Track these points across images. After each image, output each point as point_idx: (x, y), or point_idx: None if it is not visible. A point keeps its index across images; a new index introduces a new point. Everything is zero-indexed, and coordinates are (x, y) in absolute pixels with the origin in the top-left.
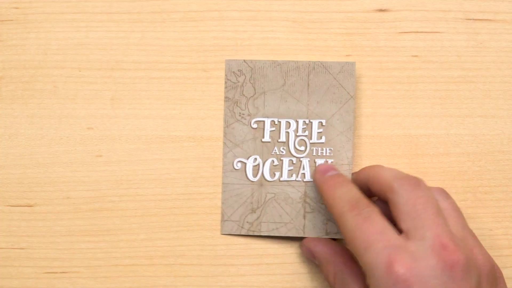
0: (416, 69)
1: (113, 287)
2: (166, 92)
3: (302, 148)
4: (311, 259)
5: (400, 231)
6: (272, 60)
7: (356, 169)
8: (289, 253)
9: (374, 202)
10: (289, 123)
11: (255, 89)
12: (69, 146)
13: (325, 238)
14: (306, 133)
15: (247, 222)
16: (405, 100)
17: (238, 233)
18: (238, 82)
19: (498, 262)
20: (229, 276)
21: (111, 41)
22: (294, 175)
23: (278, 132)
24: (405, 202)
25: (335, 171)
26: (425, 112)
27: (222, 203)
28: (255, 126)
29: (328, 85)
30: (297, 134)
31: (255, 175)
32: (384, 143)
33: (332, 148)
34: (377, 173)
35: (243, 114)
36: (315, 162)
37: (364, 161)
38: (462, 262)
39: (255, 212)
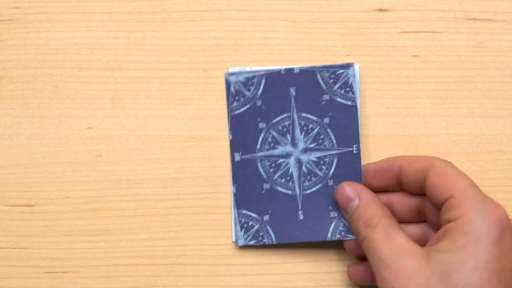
0: (416, 69)
1: (113, 287)
2: (166, 92)
3: None
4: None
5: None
6: None
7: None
8: (289, 253)
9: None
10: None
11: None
12: (69, 146)
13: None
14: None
15: None
16: (405, 100)
17: None
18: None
19: None
20: (229, 276)
21: (111, 41)
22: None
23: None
24: (452, 174)
25: (352, 202)
26: (425, 112)
27: None
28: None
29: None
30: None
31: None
32: (384, 143)
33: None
34: (411, 158)
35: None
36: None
37: (364, 161)
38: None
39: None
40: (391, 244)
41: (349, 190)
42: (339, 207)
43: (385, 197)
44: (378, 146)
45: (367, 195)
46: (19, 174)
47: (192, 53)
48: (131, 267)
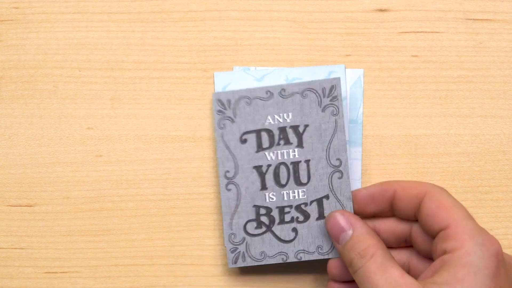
0: (416, 69)
1: (113, 287)
2: (166, 92)
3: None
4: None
5: (441, 226)
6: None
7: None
8: None
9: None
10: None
11: None
12: (69, 146)
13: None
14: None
15: None
16: (405, 100)
17: None
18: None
19: None
20: (229, 276)
21: (111, 41)
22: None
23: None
24: (449, 204)
25: (346, 232)
26: (425, 112)
27: None
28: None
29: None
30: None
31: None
32: (384, 143)
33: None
34: (405, 183)
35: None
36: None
37: (364, 161)
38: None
39: None
40: (387, 277)
41: (341, 220)
42: (330, 237)
43: (371, 224)
44: (378, 146)
45: (362, 226)
46: (19, 174)
47: (192, 53)
48: (131, 267)
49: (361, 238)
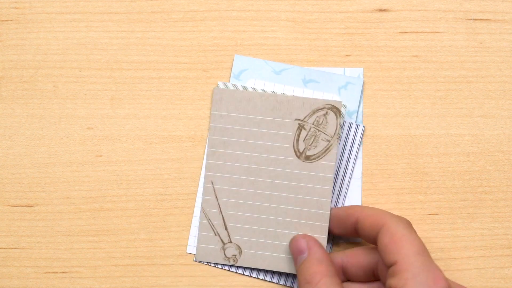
0: (416, 69)
1: (113, 287)
2: (166, 92)
3: None
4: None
5: (391, 261)
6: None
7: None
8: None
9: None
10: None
11: None
12: (69, 146)
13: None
14: None
15: None
16: (405, 100)
17: None
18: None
19: (498, 262)
20: (229, 276)
21: (111, 41)
22: None
23: None
24: (401, 238)
25: (302, 255)
26: (425, 112)
27: None
28: None
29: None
30: None
31: None
32: (384, 143)
33: None
34: (368, 211)
35: None
36: None
37: (365, 161)
38: None
39: None
40: None
41: (302, 242)
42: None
43: (339, 258)
44: (378, 146)
45: (316, 251)
46: (19, 174)
47: (192, 53)
48: (131, 267)
49: (310, 264)
